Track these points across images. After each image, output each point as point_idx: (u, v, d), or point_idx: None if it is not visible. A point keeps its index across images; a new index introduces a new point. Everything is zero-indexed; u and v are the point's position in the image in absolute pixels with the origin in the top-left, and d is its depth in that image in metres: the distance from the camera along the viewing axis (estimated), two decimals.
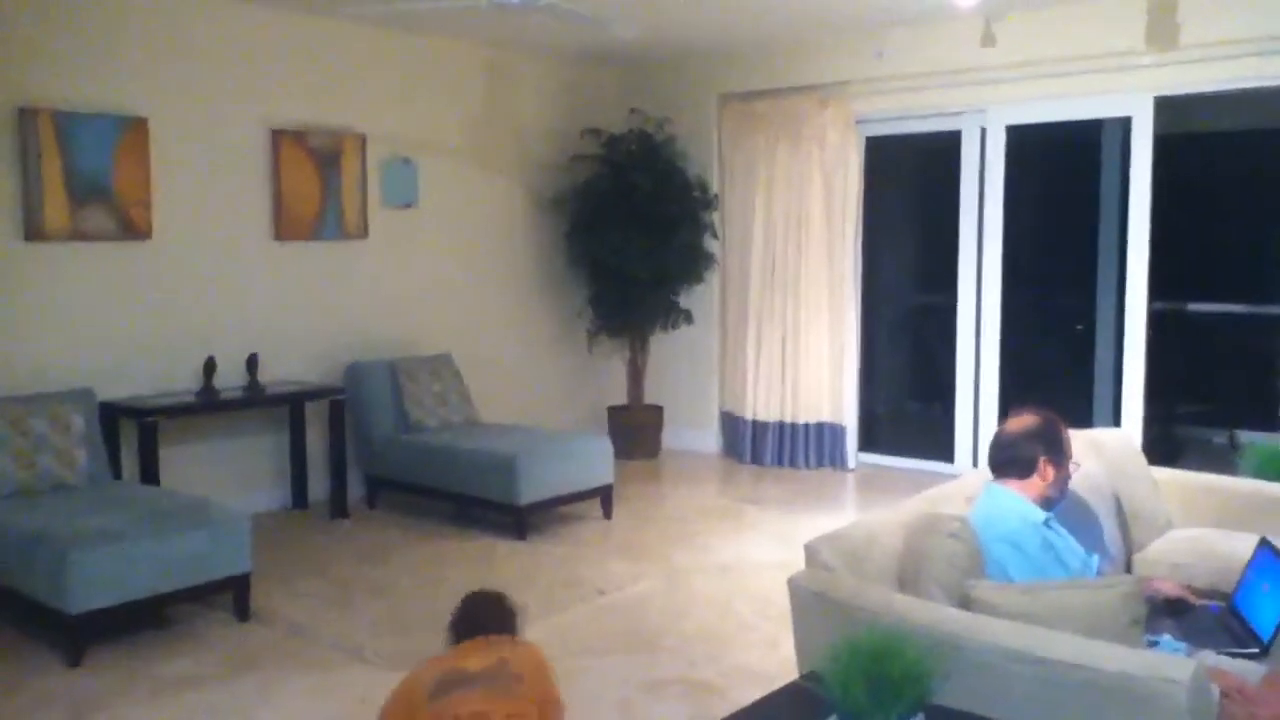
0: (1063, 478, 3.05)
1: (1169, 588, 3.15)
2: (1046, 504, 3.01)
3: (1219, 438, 7.25)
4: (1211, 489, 4.18)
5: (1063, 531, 3.01)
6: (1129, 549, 3.80)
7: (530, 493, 5.55)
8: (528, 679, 2.65)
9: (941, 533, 2.81)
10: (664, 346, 7.89)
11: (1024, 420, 3.08)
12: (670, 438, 7.87)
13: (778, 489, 6.84)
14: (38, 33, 5.13)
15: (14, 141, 5.07)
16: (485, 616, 2.91)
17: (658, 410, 7.80)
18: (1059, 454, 3.02)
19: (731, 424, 7.68)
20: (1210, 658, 2.65)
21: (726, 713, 2.45)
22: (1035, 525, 2.93)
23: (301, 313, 6.24)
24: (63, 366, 5.22)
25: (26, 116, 5.06)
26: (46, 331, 5.22)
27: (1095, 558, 3.06)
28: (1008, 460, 3.04)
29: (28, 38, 5.11)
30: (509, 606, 2.96)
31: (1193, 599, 3.12)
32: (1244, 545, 3.37)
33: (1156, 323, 6.22)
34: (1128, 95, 6.11)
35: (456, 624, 2.90)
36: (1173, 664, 2.20)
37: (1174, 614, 3.05)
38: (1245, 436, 6.57)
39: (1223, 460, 6.08)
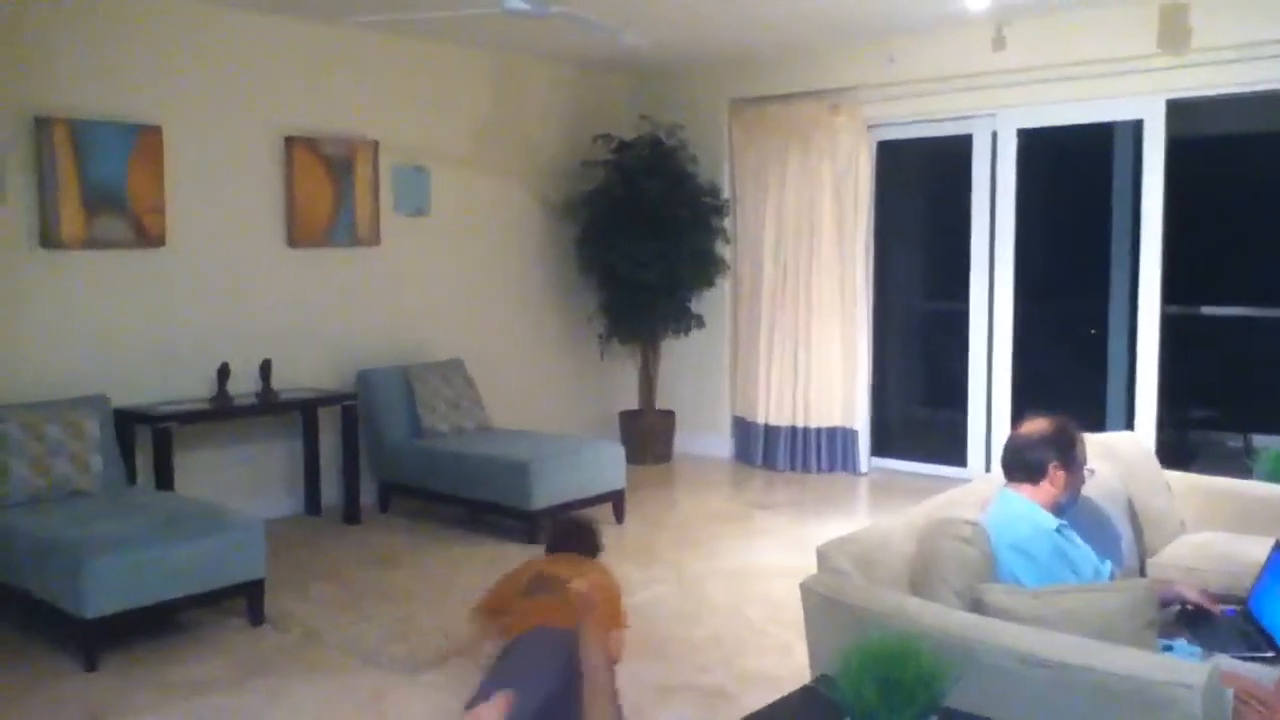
0: (1074, 483, 3.04)
1: (1191, 593, 3.12)
2: (1058, 510, 3.00)
3: (1233, 441, 7.21)
4: (1226, 493, 4.16)
5: (1076, 539, 3.00)
6: (1142, 553, 3.78)
7: (542, 498, 5.56)
8: (600, 609, 3.24)
9: (953, 537, 2.81)
10: (675, 351, 7.90)
11: (1037, 425, 3.08)
12: (682, 442, 7.87)
13: (790, 493, 6.84)
14: (53, 43, 5.17)
15: (30, 150, 5.11)
16: (575, 537, 3.74)
17: (669, 415, 7.80)
18: (1070, 460, 3.01)
19: (743, 429, 7.68)
20: (1225, 662, 2.63)
21: (738, 718, 2.45)
22: (1047, 532, 2.93)
23: (314, 319, 6.26)
24: (77, 373, 5.25)
25: (42, 125, 5.10)
26: (61, 338, 5.25)
27: (1108, 564, 3.06)
28: (1018, 464, 3.04)
29: (43, 48, 5.15)
30: (595, 532, 3.80)
31: (1213, 606, 3.09)
32: (1259, 549, 3.36)
33: (1170, 326, 6.20)
34: (1139, 98, 6.10)
35: (551, 540, 3.79)
36: (1187, 669, 2.19)
37: (1191, 622, 3.03)
38: (1260, 440, 6.54)
39: (1237, 464, 6.05)
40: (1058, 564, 2.87)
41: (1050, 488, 3.00)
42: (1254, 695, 2.38)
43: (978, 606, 2.61)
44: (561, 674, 3.06)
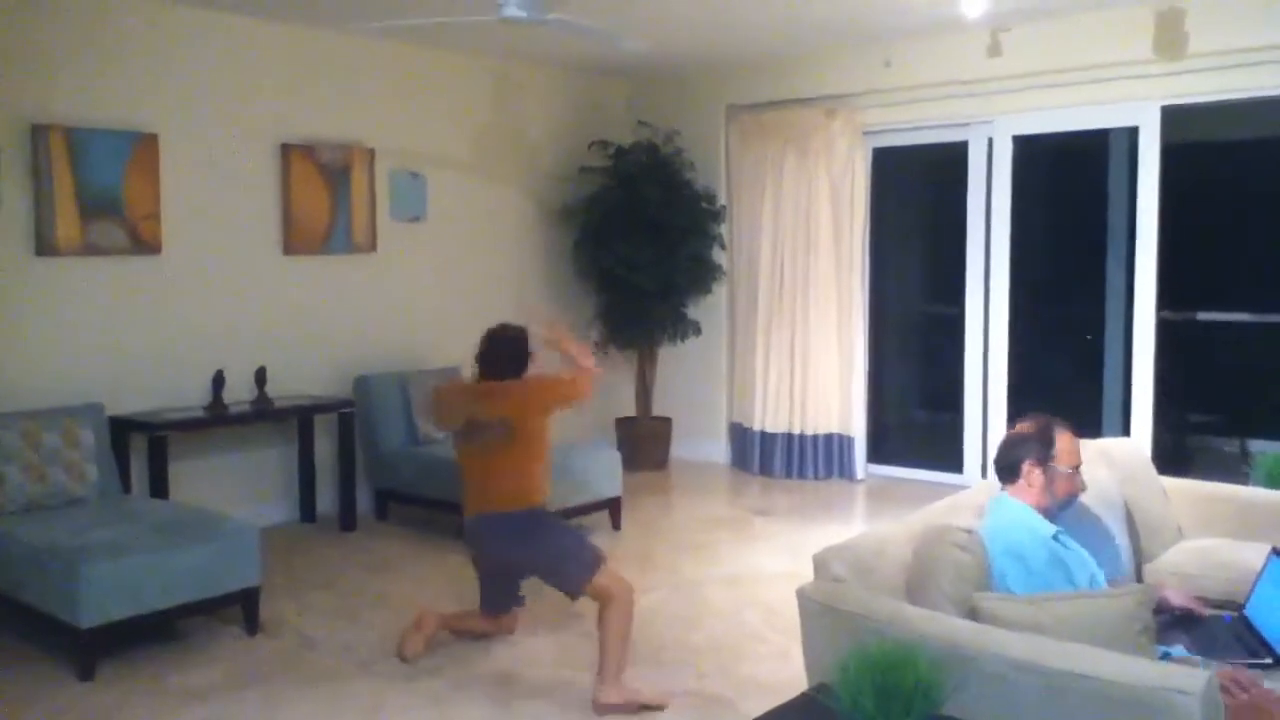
0: (1055, 485, 3.02)
1: (1178, 598, 3.13)
2: (1050, 514, 3.00)
3: (1229, 447, 7.22)
4: (1222, 498, 4.16)
5: (1074, 545, 2.99)
6: (1139, 559, 3.78)
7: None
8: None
9: (950, 544, 2.81)
10: (672, 358, 7.89)
11: (1019, 427, 3.11)
12: (679, 449, 7.86)
13: (787, 500, 6.83)
14: (49, 50, 5.17)
15: (26, 157, 5.10)
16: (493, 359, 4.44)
17: (666, 421, 7.80)
18: (1045, 458, 3.00)
19: (740, 435, 7.68)
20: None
21: None
22: (1043, 539, 2.92)
23: (310, 326, 6.25)
24: (73, 381, 5.24)
25: (39, 132, 5.10)
26: (57, 346, 5.24)
27: (1102, 573, 3.04)
28: (999, 465, 3.08)
29: (40, 55, 5.14)
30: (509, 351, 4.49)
31: (1201, 610, 3.10)
32: (1255, 555, 3.36)
33: (1165, 332, 6.21)
34: (1135, 105, 6.12)
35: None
36: (1184, 675, 2.19)
37: (1183, 626, 3.03)
38: (1256, 445, 6.54)
39: (1233, 469, 6.06)
40: (1053, 571, 2.86)
41: (1028, 487, 2.99)
42: (1236, 680, 2.38)
43: (974, 614, 2.61)
44: None
